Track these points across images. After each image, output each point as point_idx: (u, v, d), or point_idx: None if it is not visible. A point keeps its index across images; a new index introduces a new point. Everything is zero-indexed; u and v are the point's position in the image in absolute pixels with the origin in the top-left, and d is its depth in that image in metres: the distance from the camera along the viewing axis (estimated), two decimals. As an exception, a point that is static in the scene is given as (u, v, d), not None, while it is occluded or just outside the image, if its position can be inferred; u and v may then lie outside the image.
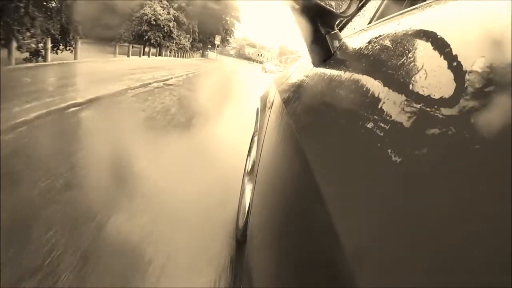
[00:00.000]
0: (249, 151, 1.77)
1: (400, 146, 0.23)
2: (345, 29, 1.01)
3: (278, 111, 0.85)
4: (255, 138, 1.55)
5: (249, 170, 1.54)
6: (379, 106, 0.30)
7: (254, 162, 1.32)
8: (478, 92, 0.19)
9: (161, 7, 19.66)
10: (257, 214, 0.73)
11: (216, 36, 26.60)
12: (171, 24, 19.68)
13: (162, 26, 19.23)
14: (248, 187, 1.38)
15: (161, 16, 19.23)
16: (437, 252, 0.16)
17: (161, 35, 19.24)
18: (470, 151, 0.17)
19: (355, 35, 0.63)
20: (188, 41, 23.46)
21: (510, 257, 0.12)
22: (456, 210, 0.16)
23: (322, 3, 0.58)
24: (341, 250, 0.23)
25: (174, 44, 20.89)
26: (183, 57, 23.07)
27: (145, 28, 18.88)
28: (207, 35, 27.30)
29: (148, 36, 18.71)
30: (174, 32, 20.14)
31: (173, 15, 20.27)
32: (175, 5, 21.83)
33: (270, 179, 0.68)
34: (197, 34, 25.82)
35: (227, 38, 33.45)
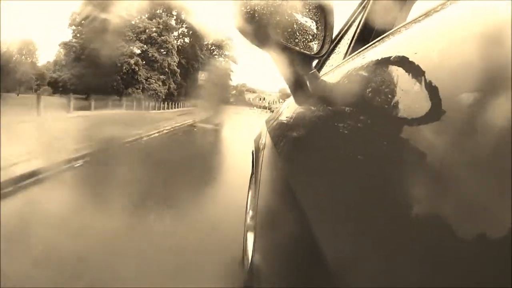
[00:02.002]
0: (248, 195, 1.75)
1: (389, 175, 0.23)
2: (324, 67, 1.06)
3: (270, 151, 0.85)
4: (252, 180, 1.53)
5: (250, 216, 1.50)
6: (360, 136, 0.30)
7: (253, 207, 1.29)
8: (455, 105, 0.20)
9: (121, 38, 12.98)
10: (261, 251, 0.70)
11: (200, 72, 18.58)
12: (132, 62, 13.33)
13: (119, 65, 12.87)
14: (250, 236, 1.33)
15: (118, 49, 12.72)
16: (435, 255, 0.15)
17: (118, 78, 12.92)
18: (455, 162, 0.17)
19: (331, 72, 0.66)
20: (163, 85, 16.34)
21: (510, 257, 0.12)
22: (454, 213, 0.16)
23: (297, 48, 0.61)
24: (340, 271, 0.23)
25: (140, 91, 14.14)
26: (162, 109, 15.82)
27: (92, 70, 12.47)
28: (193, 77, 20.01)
29: (95, 81, 12.10)
30: (140, 73, 13.82)
31: (138, 49, 13.79)
32: (142, 37, 15.06)
33: (268, 222, 0.66)
34: (177, 76, 18.61)
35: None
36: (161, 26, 16.66)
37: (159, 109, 15.62)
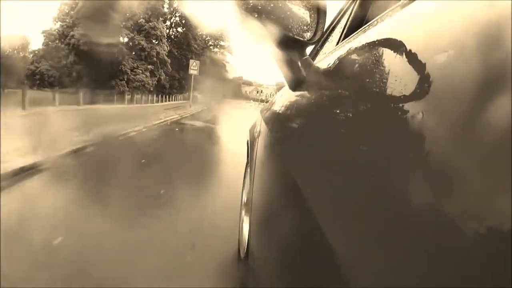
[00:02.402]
0: (244, 183, 1.77)
1: (382, 153, 0.23)
2: (318, 55, 1.08)
3: (265, 138, 0.87)
4: (248, 169, 1.56)
5: (245, 201, 1.53)
6: (354, 120, 0.31)
7: (248, 192, 1.32)
8: (446, 87, 0.20)
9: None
10: (256, 243, 0.72)
11: (192, 61, 14.47)
12: (115, 50, 11.53)
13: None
14: (246, 219, 1.36)
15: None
16: (436, 254, 0.15)
17: (100, 68, 10.99)
18: (449, 147, 0.17)
19: (324, 59, 0.68)
20: (151, 76, 14.72)
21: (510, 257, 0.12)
22: (454, 212, 0.15)
23: (290, 34, 0.63)
24: (339, 267, 0.23)
25: (124, 82, 12.08)
26: (156, 102, 14.40)
27: (72, 58, 11.08)
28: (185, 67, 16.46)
29: (77, 71, 10.75)
30: (124, 63, 11.83)
31: (124, 36, 11.62)
32: (128, 23, 13.34)
33: (264, 205, 0.68)
34: (168, 66, 16.74)
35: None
36: (149, 12, 14.74)
37: (152, 102, 14.52)
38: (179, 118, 9.68)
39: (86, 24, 11.23)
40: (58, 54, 11.69)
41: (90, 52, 10.94)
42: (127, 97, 12.57)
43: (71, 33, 11.29)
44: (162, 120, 8.35)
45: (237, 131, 5.25)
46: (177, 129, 7.63)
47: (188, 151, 4.93)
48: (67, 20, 12.32)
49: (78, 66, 11.13)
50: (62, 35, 12.14)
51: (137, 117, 8.12)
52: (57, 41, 12.50)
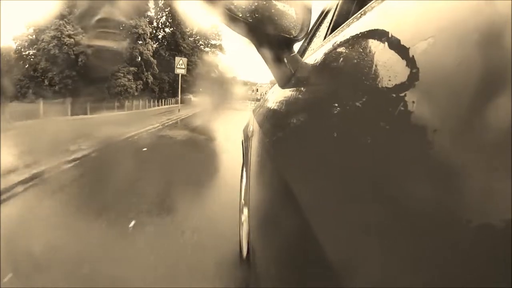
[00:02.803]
0: (241, 183, 1.78)
1: (375, 146, 0.23)
2: (306, 52, 1.08)
3: (257, 137, 0.87)
4: (244, 169, 1.56)
5: (243, 201, 1.54)
6: (341, 112, 0.31)
7: (245, 192, 1.32)
8: (430, 73, 0.20)
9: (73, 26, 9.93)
10: (257, 243, 0.72)
11: (177, 59, 12.62)
12: (90, 51, 10.11)
13: (73, 57, 9.74)
14: (244, 215, 1.37)
15: (71, 38, 9.80)
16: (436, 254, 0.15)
17: (74, 73, 9.90)
18: (441, 142, 0.17)
19: (311, 54, 0.68)
20: (134, 80, 12.78)
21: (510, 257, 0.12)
22: (452, 211, 0.15)
23: (275, 31, 0.63)
24: (333, 263, 0.23)
25: (104, 88, 10.96)
26: (148, 107, 13.11)
27: (44, 65, 9.95)
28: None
29: (49, 78, 9.51)
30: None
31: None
32: (108, 23, 10.43)
33: (261, 204, 0.68)
34: (154, 67, 15.09)
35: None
36: (130, 10, 13.17)
37: (144, 107, 13.54)
38: (158, 128, 7.72)
39: (57, 24, 9.99)
40: (29, 62, 10.39)
41: (62, 56, 9.78)
42: (116, 104, 11.64)
43: (42, 36, 10.04)
44: (131, 134, 6.09)
45: (232, 143, 3.68)
46: (145, 149, 5.00)
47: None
48: (40, 23, 10.96)
49: (50, 74, 9.84)
50: (35, 41, 10.80)
51: (98, 129, 6.23)
52: (30, 48, 11.27)
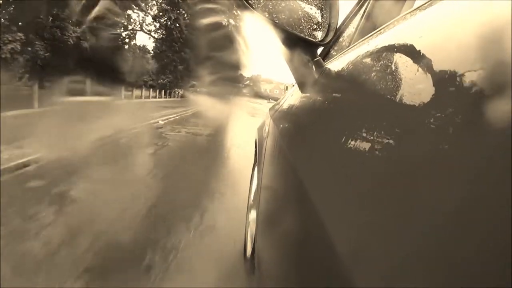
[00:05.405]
0: (251, 182, 1.77)
1: (392, 158, 0.23)
2: (329, 55, 1.06)
3: (273, 138, 0.86)
4: (256, 168, 1.55)
5: (252, 201, 1.53)
6: (366, 123, 0.31)
7: (256, 191, 1.32)
8: (461, 94, 0.19)
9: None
10: (263, 243, 0.72)
11: None
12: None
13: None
14: (252, 217, 1.36)
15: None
16: (440, 253, 0.15)
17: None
18: (463, 152, 0.17)
19: (335, 60, 0.67)
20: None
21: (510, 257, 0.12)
22: (457, 210, 0.16)
23: (301, 35, 0.62)
24: (345, 267, 0.23)
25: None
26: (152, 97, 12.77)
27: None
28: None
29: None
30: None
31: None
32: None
33: (272, 205, 0.68)
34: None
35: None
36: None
37: (150, 97, 13.07)
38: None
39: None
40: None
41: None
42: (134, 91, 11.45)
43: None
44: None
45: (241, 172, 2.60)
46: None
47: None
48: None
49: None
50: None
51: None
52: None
